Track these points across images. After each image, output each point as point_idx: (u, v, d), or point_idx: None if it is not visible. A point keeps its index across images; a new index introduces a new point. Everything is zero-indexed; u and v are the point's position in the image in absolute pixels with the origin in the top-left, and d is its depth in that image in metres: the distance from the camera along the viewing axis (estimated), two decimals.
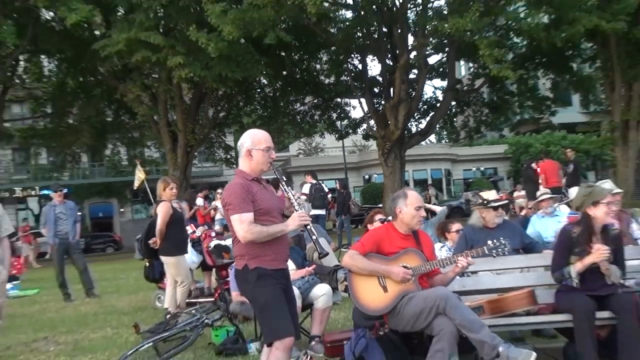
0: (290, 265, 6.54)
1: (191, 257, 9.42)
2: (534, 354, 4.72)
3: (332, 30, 24.38)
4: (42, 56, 29.19)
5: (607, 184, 6.80)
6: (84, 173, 42.12)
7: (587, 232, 5.23)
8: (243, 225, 4.25)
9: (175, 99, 26.20)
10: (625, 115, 25.58)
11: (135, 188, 15.47)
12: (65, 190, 12.83)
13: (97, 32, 23.92)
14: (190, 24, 20.27)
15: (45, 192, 34.05)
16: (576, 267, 5.13)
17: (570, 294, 5.23)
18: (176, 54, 20.76)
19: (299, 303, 6.08)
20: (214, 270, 9.84)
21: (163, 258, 8.53)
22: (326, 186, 18.26)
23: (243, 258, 4.38)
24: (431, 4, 23.12)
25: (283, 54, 25.89)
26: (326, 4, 21.24)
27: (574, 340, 5.10)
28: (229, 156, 33.39)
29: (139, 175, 13.68)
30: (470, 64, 29.72)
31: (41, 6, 22.09)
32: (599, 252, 5.03)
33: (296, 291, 6.08)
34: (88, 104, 29.37)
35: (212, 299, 8.76)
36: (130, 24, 21.24)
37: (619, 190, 7.03)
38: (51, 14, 24.09)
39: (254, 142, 4.47)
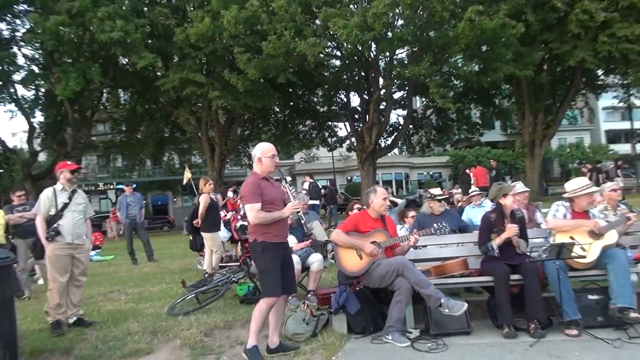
0: (293, 240, 6.55)
1: (223, 233, 9.42)
2: (465, 305, 4.73)
3: (325, 74, 24.40)
4: (119, 89, 29.22)
5: (518, 184, 6.80)
6: (148, 173, 42.30)
7: (501, 215, 5.30)
8: (252, 212, 4.38)
9: (213, 121, 26.36)
10: (532, 136, 25.62)
11: (184, 184, 15.40)
12: (134, 185, 12.87)
13: (158, 73, 23.95)
14: (225, 68, 20.35)
15: (120, 186, 34.14)
16: (496, 242, 5.18)
17: (491, 262, 5.23)
18: (214, 89, 20.93)
19: (299, 267, 6.08)
20: (239, 243, 9.83)
21: (203, 234, 8.52)
22: (320, 184, 18.32)
23: (254, 234, 4.49)
24: (396, 56, 23.08)
25: (290, 90, 25.95)
26: (322, 55, 21.25)
27: (495, 295, 5.10)
28: (251, 162, 33.41)
29: (187, 174, 13.66)
30: (423, 99, 29.66)
31: (119, 54, 22.21)
32: (511, 230, 5.12)
33: (297, 258, 6.09)
34: (151, 124, 29.49)
35: (238, 264, 8.72)
36: (182, 67, 21.40)
37: (527, 189, 7.01)
38: (126, 60, 24.09)
39: (262, 151, 4.58)
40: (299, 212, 4.68)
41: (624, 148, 47.27)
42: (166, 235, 25.29)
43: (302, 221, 4.92)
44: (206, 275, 7.76)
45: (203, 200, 8.35)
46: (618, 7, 19.76)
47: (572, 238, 5.07)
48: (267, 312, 4.48)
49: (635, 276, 5.02)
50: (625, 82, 26.67)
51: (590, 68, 22.29)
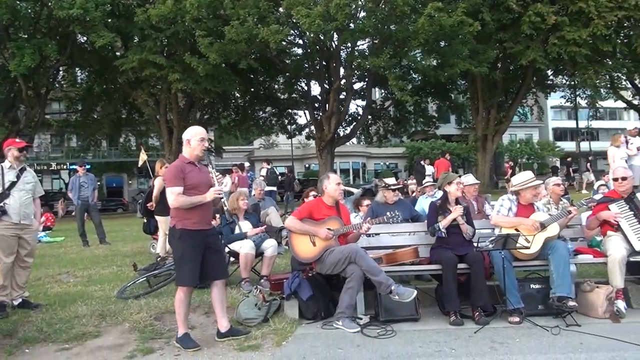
0: (248, 225, 6.48)
1: None
2: (415, 292, 4.78)
3: (287, 61, 24.27)
4: (76, 68, 28.28)
5: (469, 177, 6.91)
6: (103, 154, 41.33)
7: (447, 200, 5.46)
8: (172, 195, 4.28)
9: (172, 104, 25.87)
10: (484, 130, 26.18)
11: (139, 166, 15.04)
12: (87, 166, 12.46)
13: (117, 53, 23.27)
14: (186, 51, 20.01)
15: (73, 166, 33.22)
16: (442, 223, 5.29)
17: (440, 250, 5.31)
18: (175, 72, 20.56)
19: (253, 252, 6.02)
20: None
21: (157, 217, 8.33)
22: (278, 171, 18.22)
23: (174, 219, 4.39)
24: (357, 47, 23.12)
25: (251, 76, 25.68)
26: (284, 43, 21.10)
27: (443, 283, 5.17)
28: (209, 146, 33.14)
29: (142, 156, 13.29)
30: (382, 90, 29.87)
31: (77, 32, 21.49)
32: (457, 210, 5.29)
33: (251, 244, 6.03)
34: (108, 104, 28.63)
35: None
36: (142, 48, 20.89)
37: (478, 181, 7.14)
38: (84, 38, 23.31)
39: (192, 134, 4.48)
40: (222, 198, 4.62)
41: (569, 145, 49.06)
42: (120, 218, 24.69)
43: (225, 208, 4.94)
44: (159, 258, 7.59)
45: (158, 183, 8.14)
46: (568, 12, 20.38)
47: (517, 230, 5.21)
48: (186, 300, 4.42)
49: (574, 267, 5.19)
50: (572, 83, 27.57)
51: (541, 68, 22.96)
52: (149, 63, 20.60)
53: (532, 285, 5.19)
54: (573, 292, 4.93)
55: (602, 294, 4.97)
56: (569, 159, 28.00)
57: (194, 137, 4.43)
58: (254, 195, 9.52)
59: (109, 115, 29.49)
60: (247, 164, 18.83)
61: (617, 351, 4.00)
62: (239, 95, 27.85)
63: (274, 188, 15.78)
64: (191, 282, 4.38)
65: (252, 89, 27.33)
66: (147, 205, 8.43)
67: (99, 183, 16.09)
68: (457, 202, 5.48)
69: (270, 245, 6.19)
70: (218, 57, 18.90)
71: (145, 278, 6.28)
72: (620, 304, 5.06)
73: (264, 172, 16.06)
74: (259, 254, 6.25)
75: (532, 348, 4.17)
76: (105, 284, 6.60)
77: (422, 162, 18.90)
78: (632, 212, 5.29)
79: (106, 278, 7.13)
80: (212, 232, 4.68)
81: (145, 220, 8.96)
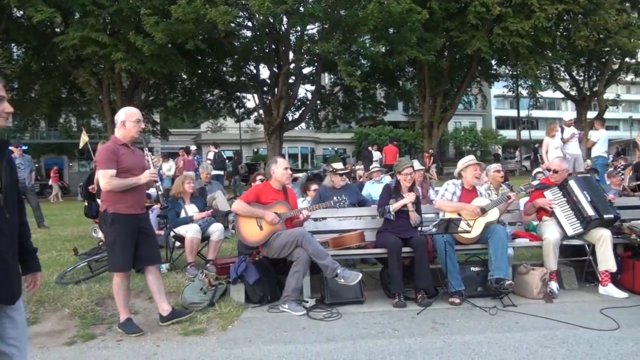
0: (194, 209, 6.38)
1: None
2: (360, 275, 4.86)
3: (235, 44, 23.83)
4: (12, 44, 26.73)
5: (415, 163, 7.05)
6: (42, 135, 39.48)
7: (399, 186, 5.52)
8: (105, 178, 4.16)
9: (116, 84, 24.88)
10: (431, 118, 26.71)
11: (80, 147, 14.49)
12: (23, 147, 11.88)
13: (57, 29, 22.14)
14: (131, 30, 19.30)
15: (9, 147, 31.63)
16: (393, 205, 5.36)
17: (385, 234, 5.40)
18: (118, 51, 19.73)
19: (199, 236, 5.94)
20: None
21: (99, 200, 8.06)
22: (225, 154, 18.01)
23: (105, 203, 4.27)
24: (307, 32, 23.02)
25: (199, 57, 25.07)
26: (232, 25, 20.72)
27: (387, 267, 5.28)
28: (155, 129, 32.32)
29: (83, 138, 12.85)
30: (332, 76, 29.92)
31: (13, 5, 20.21)
32: (409, 196, 5.38)
33: (197, 228, 5.95)
34: (47, 83, 27.23)
35: None
36: (84, 25, 19.89)
37: (422, 167, 7.29)
38: (21, 12, 22.03)
39: (127, 115, 4.32)
40: (157, 182, 4.53)
41: (510, 134, 50.74)
42: (59, 201, 23.78)
43: (159, 192, 4.77)
44: (101, 243, 7.37)
45: None
46: (512, 3, 20.98)
47: (459, 214, 5.38)
48: (124, 285, 4.34)
49: (511, 250, 5.42)
50: (515, 73, 28.47)
51: (485, 58, 23.56)
52: (91, 41, 19.71)
53: (472, 268, 5.38)
54: (510, 274, 5.15)
55: (536, 275, 5.21)
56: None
57: (130, 119, 4.27)
58: (201, 178, 9.38)
59: (47, 94, 28.08)
60: (193, 148, 18.49)
61: (549, 330, 4.21)
62: (185, 77, 27.13)
63: (222, 172, 15.64)
64: (123, 268, 4.28)
65: (200, 71, 26.69)
66: (89, 188, 8.15)
67: (36, 165, 15.37)
68: (411, 188, 5.58)
69: (216, 229, 6.13)
70: (164, 37, 18.35)
71: (86, 263, 6.10)
72: (553, 285, 5.34)
73: (211, 155, 15.87)
74: (205, 238, 6.18)
75: (471, 328, 4.33)
76: (44, 269, 6.31)
77: (369, 148, 19.14)
78: (565, 199, 5.55)
79: (45, 263, 6.85)
80: (145, 217, 4.56)
81: (86, 204, 8.67)
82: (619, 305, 4.84)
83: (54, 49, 21.89)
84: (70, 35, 19.73)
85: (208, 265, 5.98)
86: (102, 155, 4.21)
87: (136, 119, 4.29)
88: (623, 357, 3.58)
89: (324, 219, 6.13)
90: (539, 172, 9.09)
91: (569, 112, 35.74)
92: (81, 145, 13.19)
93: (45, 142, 39.50)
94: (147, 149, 4.60)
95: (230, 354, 3.86)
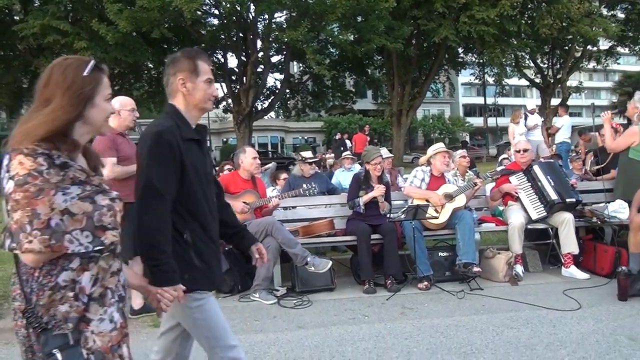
0: None
1: None
2: (330, 263, 4.88)
3: (202, 32, 23.45)
4: None
5: (383, 150, 7.10)
6: (2, 126, 38.39)
7: (368, 175, 5.51)
8: (107, 166, 4.03)
9: None
10: (399, 106, 26.83)
11: None
12: None
13: (16, 17, 21.41)
14: (94, 17, 18.76)
15: None
16: (363, 198, 5.39)
17: (355, 222, 5.44)
18: (81, 39, 19.18)
19: None
20: None
21: None
22: None
23: None
24: (275, 19, 22.81)
25: (165, 46, 24.57)
26: (199, 12, 20.38)
27: (357, 254, 5.33)
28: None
29: None
30: (300, 64, 29.74)
31: None
32: (379, 189, 5.36)
33: None
34: (7, 72, 26.26)
35: None
36: (44, 13, 19.26)
37: (391, 155, 7.35)
38: None
39: (121, 104, 4.33)
40: None
41: (477, 121, 51.52)
42: None
43: None
44: None
45: None
46: None
47: (427, 201, 5.46)
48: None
49: (478, 235, 5.53)
50: (481, 61, 28.79)
51: (452, 46, 23.76)
52: (52, 29, 19.11)
53: (440, 253, 5.47)
54: (477, 259, 5.26)
55: (502, 259, 5.34)
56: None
57: (124, 108, 4.28)
58: None
59: (8, 84, 27.19)
60: None
61: (515, 311, 4.33)
62: (152, 66, 26.62)
63: None
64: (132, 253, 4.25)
65: (166, 60, 26.27)
66: None
67: None
68: (380, 179, 5.60)
69: None
70: (128, 25, 17.92)
71: None
72: (519, 268, 5.48)
73: None
74: None
75: (439, 312, 4.41)
76: (7, 264, 6.20)
77: (341, 137, 19.21)
78: (530, 184, 5.68)
79: (9, 257, 6.68)
80: None
81: None
82: (580, 286, 5.00)
83: (14, 38, 21.17)
84: (30, 23, 19.10)
85: None
86: (103, 143, 4.14)
87: (131, 107, 4.33)
88: (584, 335, 3.70)
89: (293, 207, 6.14)
90: (504, 159, 9.27)
91: (532, 99, 36.41)
92: None
93: (5, 134, 38.21)
94: None
95: None
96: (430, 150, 5.78)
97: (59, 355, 1.44)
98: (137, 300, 4.44)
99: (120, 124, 4.29)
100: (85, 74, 1.60)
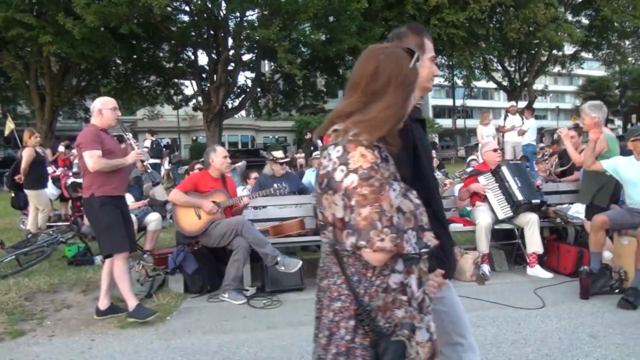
0: (130, 198, 6.20)
1: (51, 190, 8.65)
2: (300, 262, 4.90)
3: (172, 28, 23.15)
4: None
5: None
6: None
7: None
8: (93, 158, 4.06)
9: (44, 68, 23.55)
10: None
11: (5, 135, 13.68)
12: None
13: None
14: (60, 11, 18.27)
15: None
16: None
17: None
18: (47, 33, 18.65)
19: (135, 226, 5.79)
20: (69, 201, 9.07)
21: (26, 191, 7.73)
22: (163, 142, 17.57)
23: (90, 188, 4.15)
24: (246, 18, 22.68)
25: (134, 42, 24.16)
26: (169, 9, 20.09)
27: None
28: (87, 116, 31.04)
29: (9, 125, 12.12)
30: (272, 63, 29.64)
31: None
32: None
33: (134, 217, 5.77)
34: None
35: (67, 223, 8.06)
36: (7, 5, 18.62)
37: None
38: None
39: (103, 103, 4.31)
40: (144, 161, 4.55)
41: (446, 122, 52.25)
42: None
43: (149, 171, 4.79)
44: (29, 235, 7.05)
45: (26, 155, 7.52)
46: None
47: None
48: (126, 268, 4.25)
49: None
50: (450, 63, 29.24)
51: None
52: (16, 22, 18.53)
53: None
54: None
55: (470, 259, 5.42)
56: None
57: (106, 107, 4.27)
58: (137, 167, 9.12)
59: None
60: (130, 135, 17.87)
61: (482, 310, 4.40)
62: (120, 62, 26.09)
63: (158, 160, 15.25)
64: (125, 247, 4.19)
65: (135, 56, 25.71)
66: (15, 178, 7.76)
67: None
68: None
69: (153, 219, 6.01)
70: (96, 20, 17.52)
71: (14, 256, 5.83)
72: (485, 268, 5.57)
73: (147, 143, 15.42)
74: (142, 228, 6.03)
75: None
76: None
77: (307, 135, 19.21)
78: (497, 184, 5.79)
79: None
80: (125, 201, 4.53)
81: (13, 195, 8.26)
82: (545, 284, 5.12)
83: None
84: None
85: (145, 256, 5.85)
86: (87, 137, 4.13)
87: (112, 106, 4.30)
88: (548, 333, 3.80)
89: (264, 207, 6.12)
90: (472, 160, 9.43)
91: (500, 101, 37.12)
92: (7, 132, 12.45)
93: None
94: (128, 133, 4.54)
95: (168, 345, 3.80)
96: None
97: None
98: (103, 301, 4.37)
99: (103, 123, 4.27)
100: (411, 66, 1.49)
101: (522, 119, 12.05)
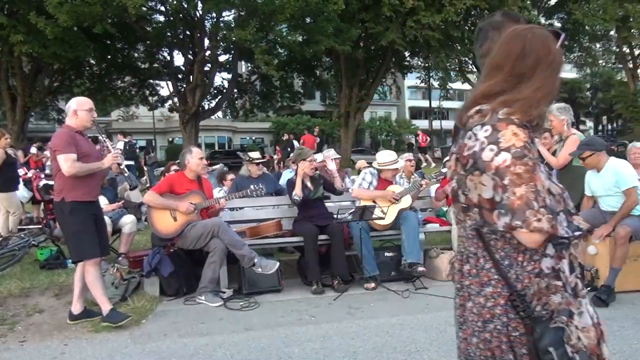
0: (104, 200, 6.10)
1: (23, 193, 8.46)
2: (277, 264, 4.89)
3: (148, 28, 22.85)
4: None
5: (331, 151, 7.14)
6: None
7: (302, 176, 5.54)
8: (68, 162, 3.97)
9: (15, 68, 23.05)
10: (347, 108, 27.06)
11: None
12: None
13: None
14: (32, 10, 17.87)
15: None
16: (295, 190, 5.41)
17: (302, 223, 5.45)
18: (18, 33, 18.25)
19: (110, 229, 5.69)
20: (41, 204, 8.88)
21: None
22: (139, 144, 17.38)
23: (61, 192, 4.05)
24: (223, 18, 22.54)
25: (108, 42, 23.78)
26: (144, 9, 19.83)
27: (305, 255, 5.34)
28: (60, 117, 30.44)
29: None
30: (249, 64, 29.51)
31: None
32: (301, 167, 5.55)
33: (108, 220, 5.68)
34: None
35: (39, 226, 7.89)
36: None
37: (339, 156, 7.40)
38: None
39: (79, 104, 4.21)
40: (121, 164, 4.40)
41: (423, 123, 52.65)
42: None
43: (126, 174, 4.65)
44: (0, 239, 6.88)
45: None
46: None
47: (374, 202, 5.53)
48: (98, 273, 4.18)
49: (423, 235, 5.65)
50: (427, 65, 29.51)
51: (399, 49, 24.21)
52: None
53: (386, 254, 5.56)
54: (422, 259, 5.38)
55: (446, 259, 5.48)
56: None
57: (81, 107, 4.17)
58: (112, 169, 8.98)
59: None
60: (104, 136, 17.62)
61: None
62: (94, 62, 25.67)
63: (132, 162, 15.09)
64: (96, 253, 4.12)
65: (109, 56, 25.33)
66: None
67: None
68: (312, 179, 5.66)
69: (128, 222, 5.92)
70: (69, 19, 17.19)
71: None
72: None
73: (120, 145, 15.24)
74: (117, 230, 5.95)
75: (385, 311, 4.48)
76: None
77: (288, 138, 19.20)
78: None
79: None
80: (99, 204, 4.46)
81: None
82: None
83: None
84: None
85: (120, 258, 5.76)
86: (62, 139, 4.02)
87: (88, 107, 4.20)
88: None
89: (240, 208, 6.10)
90: (448, 161, 9.50)
91: None
92: None
93: None
94: (104, 135, 4.46)
95: (144, 349, 3.75)
96: (381, 161, 5.75)
97: (554, 354, 1.31)
98: (76, 305, 4.29)
99: (78, 124, 4.18)
100: (557, 47, 1.46)
101: None
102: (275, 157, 15.32)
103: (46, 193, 8.27)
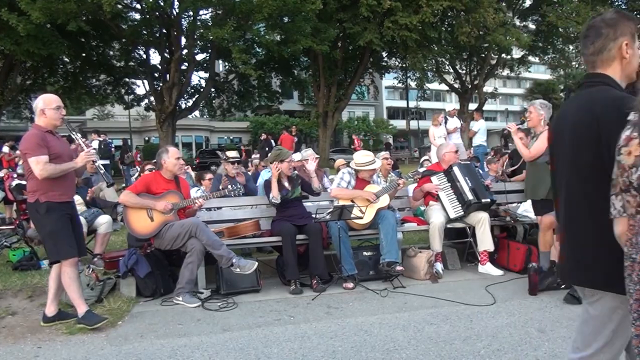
0: (79, 199, 6.00)
1: None
2: (256, 264, 4.87)
3: (123, 26, 22.55)
4: None
5: (309, 151, 7.13)
6: None
7: (279, 176, 5.52)
8: (40, 165, 3.88)
9: None
10: (325, 107, 27.12)
11: None
12: None
13: None
14: (3, 6, 17.46)
15: None
16: (272, 192, 5.41)
17: (280, 222, 5.44)
18: None
19: (85, 229, 5.60)
20: (14, 204, 8.69)
21: None
22: (115, 143, 17.15)
23: (35, 193, 3.97)
24: (200, 17, 22.36)
25: (83, 39, 23.39)
26: (119, 6, 19.57)
27: (283, 254, 5.33)
28: (33, 115, 29.70)
29: None
30: (226, 63, 29.32)
31: None
32: (274, 167, 5.51)
33: (83, 220, 5.59)
34: None
35: (12, 227, 7.72)
36: None
37: (317, 155, 7.40)
38: None
39: (45, 103, 4.09)
40: (96, 162, 4.32)
41: (400, 123, 53.06)
42: None
43: (102, 172, 4.56)
44: None
45: None
46: None
47: (353, 201, 5.54)
48: (75, 274, 4.11)
49: (401, 234, 5.69)
50: (404, 65, 29.68)
51: (377, 50, 24.35)
52: None
53: (364, 253, 5.58)
54: (400, 258, 5.41)
55: (423, 258, 5.52)
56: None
57: (49, 106, 4.05)
58: (87, 168, 8.84)
59: None
60: (79, 135, 17.35)
61: (435, 307, 4.49)
62: (68, 60, 25.23)
63: (107, 161, 14.89)
64: (73, 253, 4.05)
65: (84, 54, 24.93)
66: None
67: None
68: (290, 178, 5.65)
69: (104, 222, 5.83)
70: (42, 16, 16.84)
71: None
72: (439, 266, 5.69)
73: (95, 144, 15.04)
74: (92, 231, 5.85)
75: (363, 310, 4.50)
76: None
77: (266, 138, 19.15)
78: (449, 184, 5.92)
79: None
80: (74, 204, 4.36)
81: None
82: (495, 281, 5.27)
83: None
84: None
85: (95, 259, 5.67)
86: (31, 142, 3.92)
87: (55, 105, 4.08)
88: (498, 328, 3.90)
89: (218, 208, 6.05)
90: (426, 160, 9.58)
91: (452, 103, 37.93)
92: None
93: None
94: (76, 132, 4.38)
95: (120, 351, 3.70)
96: (359, 161, 5.76)
97: None
98: (51, 307, 4.21)
99: (47, 124, 4.08)
100: None
101: (464, 122, 12.33)
102: (254, 156, 15.24)
103: (19, 193, 8.08)
